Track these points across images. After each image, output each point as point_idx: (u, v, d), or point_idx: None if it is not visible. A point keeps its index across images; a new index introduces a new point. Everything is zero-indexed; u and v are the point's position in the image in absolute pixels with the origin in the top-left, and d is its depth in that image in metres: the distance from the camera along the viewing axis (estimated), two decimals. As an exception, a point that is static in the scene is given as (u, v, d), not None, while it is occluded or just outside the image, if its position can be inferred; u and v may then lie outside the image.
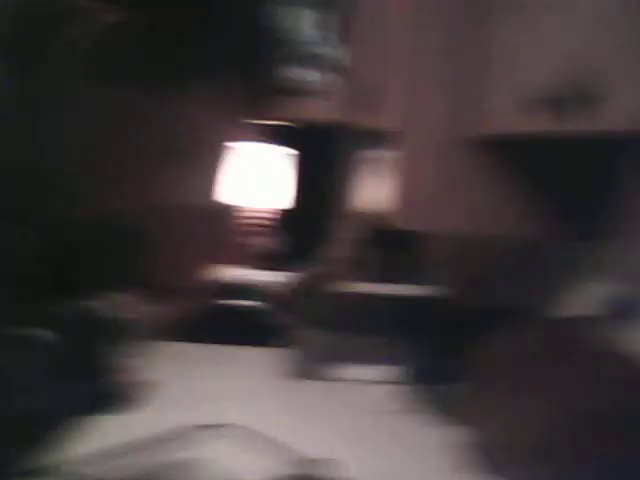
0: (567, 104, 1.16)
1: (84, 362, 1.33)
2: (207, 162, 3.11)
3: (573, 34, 1.18)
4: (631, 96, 1.09)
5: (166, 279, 3.41)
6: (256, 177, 2.81)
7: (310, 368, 1.59)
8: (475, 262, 1.79)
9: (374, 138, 1.68)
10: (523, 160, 1.38)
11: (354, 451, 1.26)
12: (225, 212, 3.08)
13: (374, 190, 1.41)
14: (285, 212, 2.93)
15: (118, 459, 1.16)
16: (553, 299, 1.52)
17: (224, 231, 3.31)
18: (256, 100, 2.08)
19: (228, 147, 2.43)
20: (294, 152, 2.50)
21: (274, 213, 2.86)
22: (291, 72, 1.89)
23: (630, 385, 1.13)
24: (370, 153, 1.86)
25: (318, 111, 1.78)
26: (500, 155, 1.40)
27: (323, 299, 1.57)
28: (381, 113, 1.52)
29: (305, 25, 1.83)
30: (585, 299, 1.42)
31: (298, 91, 1.90)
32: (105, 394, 1.33)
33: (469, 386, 1.41)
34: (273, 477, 1.05)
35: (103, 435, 1.23)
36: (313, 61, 1.88)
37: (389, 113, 1.50)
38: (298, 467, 1.09)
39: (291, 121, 2.33)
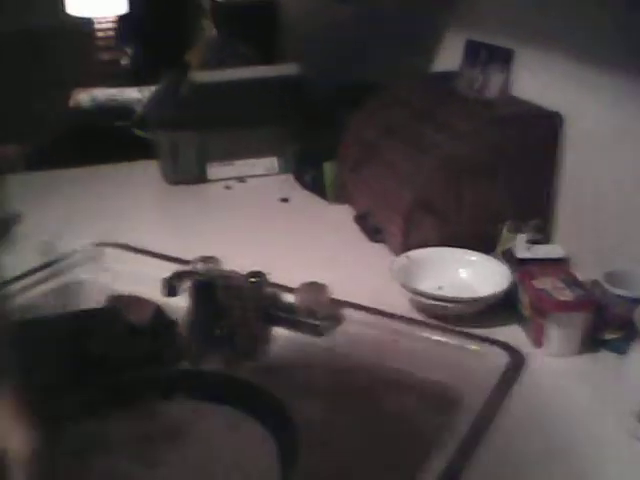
0: None
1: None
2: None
3: None
4: None
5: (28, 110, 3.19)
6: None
7: (184, 172, 1.53)
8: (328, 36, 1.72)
9: None
10: None
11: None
12: (75, 29, 2.83)
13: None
14: (135, 20, 2.71)
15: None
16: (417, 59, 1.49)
17: (79, 49, 3.06)
18: None
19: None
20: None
21: (124, 22, 2.63)
22: None
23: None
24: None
25: None
26: None
27: (182, 99, 1.48)
28: None
29: None
30: (449, 52, 1.40)
31: None
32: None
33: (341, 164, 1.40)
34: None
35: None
36: None
37: None
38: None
39: None
